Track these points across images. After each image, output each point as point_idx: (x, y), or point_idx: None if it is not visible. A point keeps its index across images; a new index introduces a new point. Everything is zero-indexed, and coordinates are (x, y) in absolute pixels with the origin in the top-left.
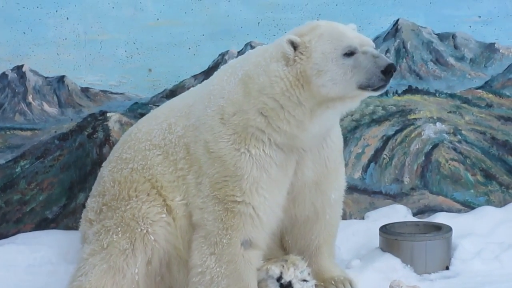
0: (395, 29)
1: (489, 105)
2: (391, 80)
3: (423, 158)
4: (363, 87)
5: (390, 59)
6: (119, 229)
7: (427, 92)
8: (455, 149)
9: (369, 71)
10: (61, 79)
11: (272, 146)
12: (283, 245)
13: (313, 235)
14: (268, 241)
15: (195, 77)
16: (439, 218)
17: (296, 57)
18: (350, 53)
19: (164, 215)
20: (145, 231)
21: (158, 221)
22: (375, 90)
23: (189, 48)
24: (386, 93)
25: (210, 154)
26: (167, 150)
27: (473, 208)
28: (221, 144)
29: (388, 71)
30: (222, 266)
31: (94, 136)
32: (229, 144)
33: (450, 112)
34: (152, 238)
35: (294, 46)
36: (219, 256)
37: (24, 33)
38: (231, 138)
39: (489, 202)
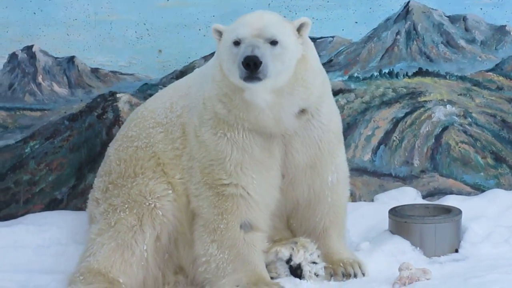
0: (406, 11)
1: (499, 88)
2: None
3: (433, 140)
4: (238, 77)
5: (399, 41)
6: (126, 206)
7: (437, 75)
8: (465, 132)
9: (238, 62)
10: (71, 59)
11: (246, 130)
12: (290, 226)
13: (317, 217)
14: (270, 222)
15: (205, 58)
16: (449, 200)
17: (219, 45)
18: (236, 43)
19: (170, 191)
20: (152, 206)
21: (165, 196)
22: (245, 81)
23: (200, 29)
24: (397, 75)
25: (197, 138)
26: (167, 128)
27: (483, 191)
28: (203, 129)
29: (247, 64)
30: (224, 252)
31: (104, 117)
32: (208, 128)
33: (460, 94)
34: (160, 213)
35: (222, 34)
36: (219, 242)
37: (34, 13)
38: (209, 123)
39: (499, 185)
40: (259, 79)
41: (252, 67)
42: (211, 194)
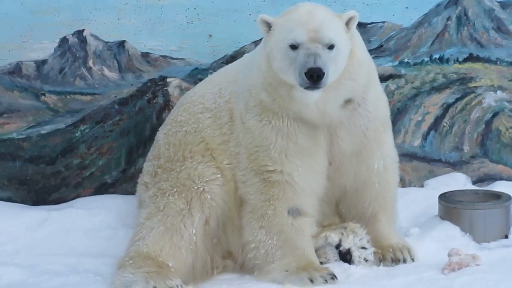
0: None
1: None
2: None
3: (483, 126)
4: (297, 83)
5: (450, 27)
6: (175, 189)
7: (488, 60)
8: None
9: (299, 70)
10: (121, 44)
11: (290, 119)
12: (339, 212)
13: (366, 203)
14: (318, 207)
15: (255, 43)
16: (499, 186)
17: (267, 38)
18: (294, 47)
19: (219, 175)
20: (201, 189)
21: (214, 180)
22: (306, 89)
23: (250, 14)
24: (447, 61)
25: (243, 125)
26: (215, 113)
27: None
28: (248, 115)
29: (310, 75)
30: (273, 237)
31: (154, 101)
32: (254, 115)
33: (511, 80)
34: (209, 196)
35: (270, 26)
36: (268, 228)
37: None
38: (254, 110)
39: None
40: (319, 88)
41: (315, 78)
42: (258, 181)
